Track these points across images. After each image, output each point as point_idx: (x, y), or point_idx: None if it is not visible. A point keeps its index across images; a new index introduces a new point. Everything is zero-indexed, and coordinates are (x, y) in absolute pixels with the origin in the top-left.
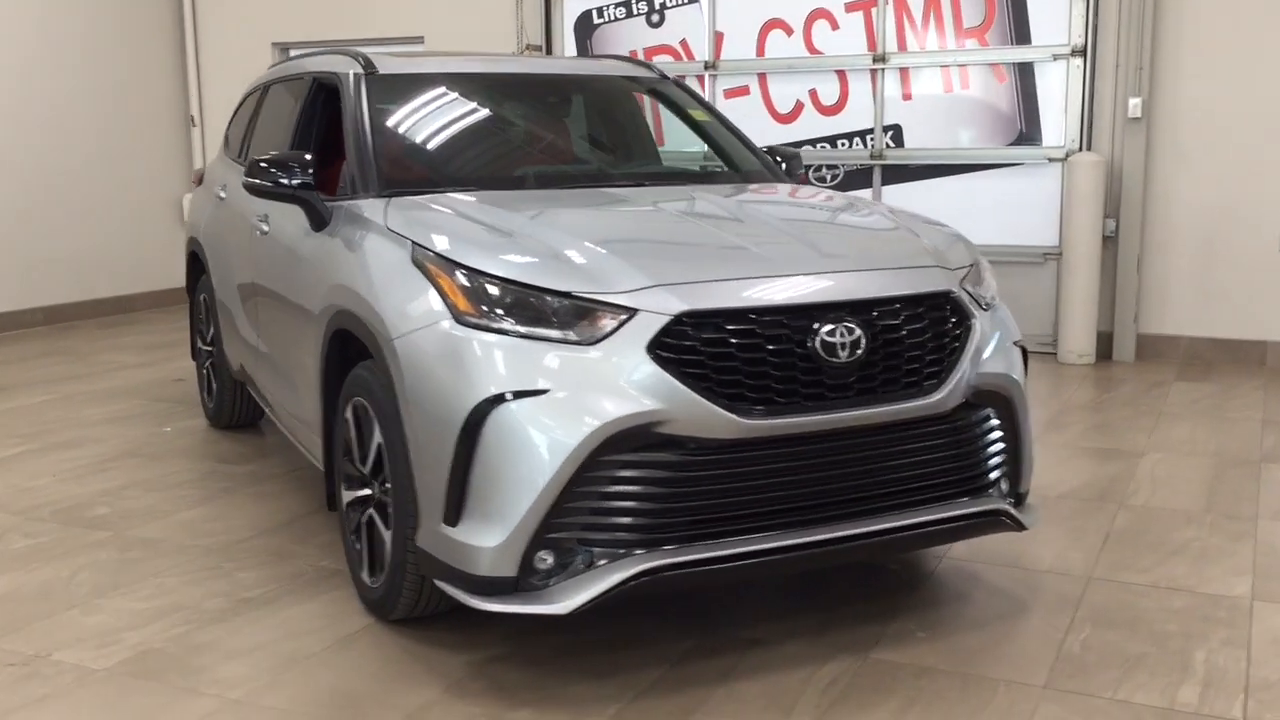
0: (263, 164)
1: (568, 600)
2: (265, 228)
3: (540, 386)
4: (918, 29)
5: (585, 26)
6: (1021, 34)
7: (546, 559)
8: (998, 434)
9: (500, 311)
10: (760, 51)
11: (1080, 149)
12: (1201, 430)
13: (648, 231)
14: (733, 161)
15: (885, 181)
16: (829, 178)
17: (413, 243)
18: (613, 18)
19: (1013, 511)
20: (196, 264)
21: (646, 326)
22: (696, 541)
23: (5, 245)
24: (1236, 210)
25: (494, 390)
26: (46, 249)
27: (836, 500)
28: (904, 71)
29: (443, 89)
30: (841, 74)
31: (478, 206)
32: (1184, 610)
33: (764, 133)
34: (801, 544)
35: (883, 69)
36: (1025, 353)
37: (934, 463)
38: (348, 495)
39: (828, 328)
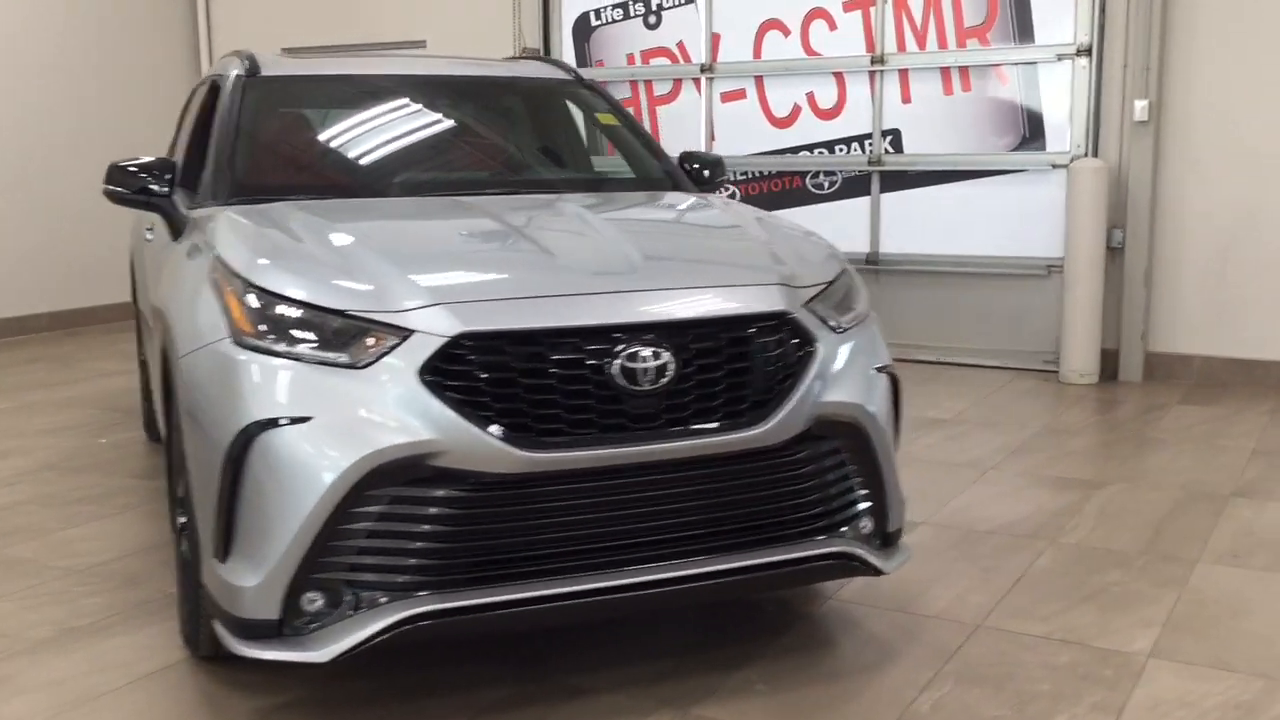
0: (127, 169)
1: (328, 647)
2: (150, 235)
3: (305, 413)
4: (917, 28)
5: (583, 29)
6: (1025, 33)
7: (316, 600)
8: (850, 469)
9: (277, 331)
10: (757, 53)
11: (1086, 154)
12: (1182, 459)
13: (467, 244)
14: (638, 168)
15: (884, 189)
16: (826, 185)
17: (214, 255)
18: (610, 19)
19: (861, 554)
20: (133, 271)
21: (420, 349)
22: (484, 585)
23: (10, 249)
24: (1253, 220)
25: (257, 416)
26: (54, 254)
27: (646, 541)
28: (903, 73)
29: (328, 91)
30: (839, 76)
31: (302, 217)
32: (1067, 666)
33: (761, 138)
34: (602, 589)
35: (881, 70)
36: (895, 380)
37: (763, 501)
38: (180, 520)
39: (629, 352)
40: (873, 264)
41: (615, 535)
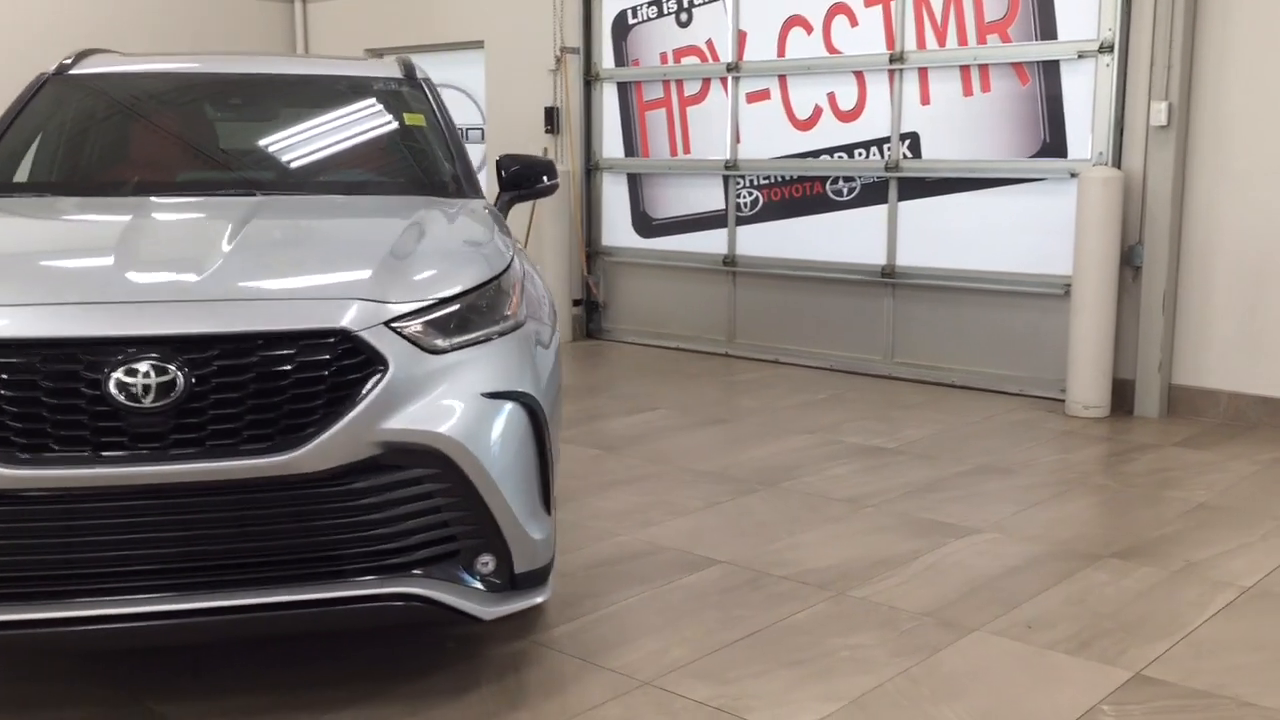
0: None
1: None
2: None
3: None
4: (938, 24)
5: (621, 27)
6: (1047, 28)
7: None
8: (441, 503)
9: None
10: (781, 51)
11: (1110, 163)
12: (1097, 509)
13: (56, 247)
14: (425, 171)
15: (902, 197)
16: (846, 192)
17: None
18: (645, 18)
19: (437, 597)
20: None
21: None
22: None
23: None
24: None
25: None
26: None
27: (164, 569)
28: (923, 72)
29: (122, 90)
30: (860, 75)
31: None
32: None
33: (784, 141)
34: (99, 617)
35: (901, 69)
36: (529, 408)
37: (310, 532)
38: None
39: (127, 367)
40: (889, 277)
41: (122, 561)
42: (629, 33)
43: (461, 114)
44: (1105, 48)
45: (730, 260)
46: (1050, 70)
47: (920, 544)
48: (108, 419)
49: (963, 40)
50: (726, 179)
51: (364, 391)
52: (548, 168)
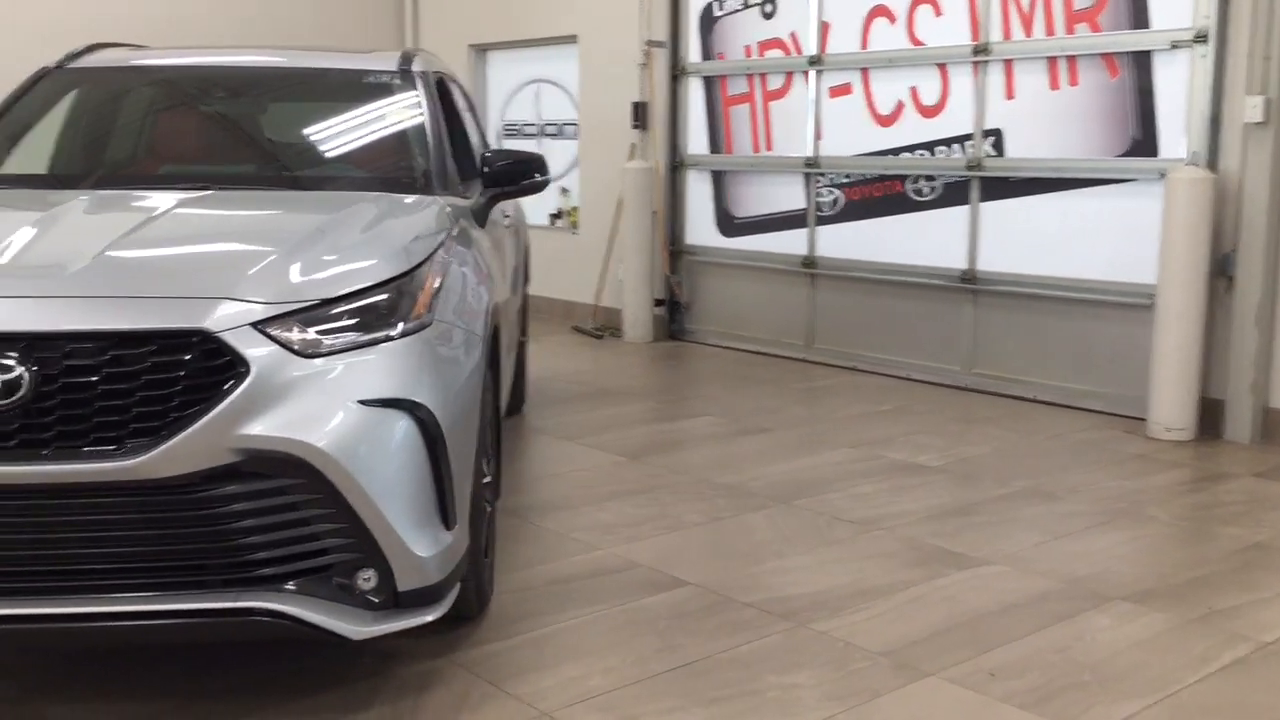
0: None
1: None
2: None
3: None
4: (1024, 12)
5: (707, 20)
6: (1140, 17)
7: None
8: (310, 515)
9: None
10: (864, 43)
11: (1205, 163)
12: (1133, 545)
13: None
14: (397, 167)
15: (984, 197)
16: (926, 191)
17: None
18: (731, 9)
19: (294, 612)
20: None
21: None
22: None
23: None
24: None
25: None
26: None
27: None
28: (1008, 64)
29: (113, 85)
30: (943, 68)
31: None
32: None
33: (866, 138)
34: None
35: (985, 61)
36: (421, 420)
37: (164, 540)
38: None
39: None
40: (969, 282)
41: None
42: (714, 25)
43: (558, 110)
44: (1200, 37)
45: (810, 262)
46: (1141, 62)
47: (915, 574)
48: None
49: (1050, 30)
50: (807, 177)
51: (221, 395)
52: (538, 164)
